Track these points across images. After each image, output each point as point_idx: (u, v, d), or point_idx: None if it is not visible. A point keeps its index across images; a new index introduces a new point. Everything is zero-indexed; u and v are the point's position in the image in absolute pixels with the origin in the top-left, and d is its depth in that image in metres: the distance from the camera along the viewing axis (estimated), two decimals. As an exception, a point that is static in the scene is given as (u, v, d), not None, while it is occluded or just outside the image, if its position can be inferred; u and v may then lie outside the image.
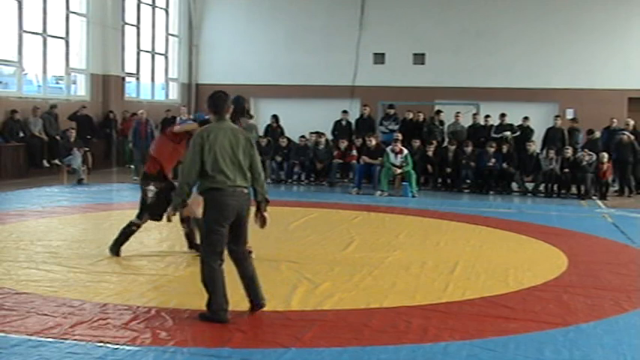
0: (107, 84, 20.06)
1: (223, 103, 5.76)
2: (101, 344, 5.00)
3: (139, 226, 7.95)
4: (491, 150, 16.22)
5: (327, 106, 21.32)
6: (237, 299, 6.21)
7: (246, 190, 5.72)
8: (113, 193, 14.21)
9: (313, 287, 6.76)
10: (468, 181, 16.30)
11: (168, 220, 6.07)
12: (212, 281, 5.60)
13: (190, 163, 5.59)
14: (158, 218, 7.69)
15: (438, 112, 18.48)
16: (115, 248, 7.92)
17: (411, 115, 18.30)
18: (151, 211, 7.75)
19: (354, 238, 9.50)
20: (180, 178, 5.71)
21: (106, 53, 20.01)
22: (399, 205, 13.44)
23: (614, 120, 17.93)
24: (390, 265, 7.91)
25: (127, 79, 21.49)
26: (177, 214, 6.27)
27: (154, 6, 22.84)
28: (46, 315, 5.64)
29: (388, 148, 15.57)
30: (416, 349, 5.10)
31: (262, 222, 5.90)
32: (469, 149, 16.30)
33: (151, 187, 7.69)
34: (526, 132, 17.65)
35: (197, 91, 24.51)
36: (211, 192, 5.58)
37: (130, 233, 7.97)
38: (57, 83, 19.99)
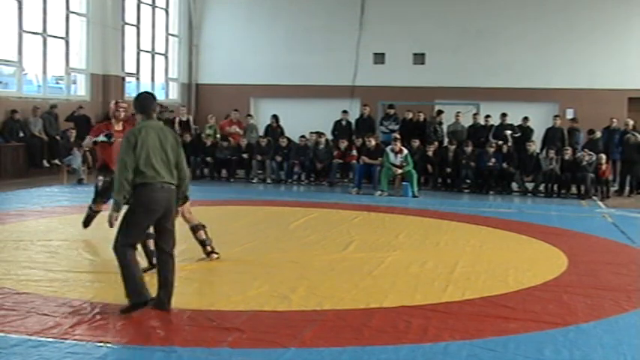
0: (107, 84, 20.03)
1: (150, 104, 5.97)
2: (101, 344, 5.00)
3: (94, 211, 8.78)
4: (491, 150, 16.23)
5: (327, 106, 21.30)
6: (237, 300, 6.23)
7: (173, 187, 5.84)
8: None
9: (313, 287, 6.76)
10: (468, 181, 16.31)
11: (110, 225, 5.78)
12: (128, 269, 5.70)
13: (125, 160, 5.68)
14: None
15: (440, 112, 18.50)
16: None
17: (410, 115, 18.32)
18: (100, 196, 8.53)
19: (354, 238, 9.50)
20: (116, 176, 5.76)
21: (106, 53, 19.99)
22: (399, 205, 13.44)
23: (614, 120, 17.92)
24: (390, 265, 7.91)
25: (127, 79, 21.46)
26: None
27: (154, 6, 22.83)
28: (46, 315, 5.64)
29: (388, 148, 15.57)
30: (416, 349, 5.10)
31: (175, 215, 6.07)
32: (469, 149, 16.30)
33: (100, 178, 8.46)
34: (526, 132, 17.67)
35: (197, 91, 24.51)
36: (140, 187, 5.69)
37: (90, 219, 8.86)
38: (57, 83, 19.98)
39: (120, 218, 5.73)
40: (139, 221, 5.72)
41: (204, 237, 7.82)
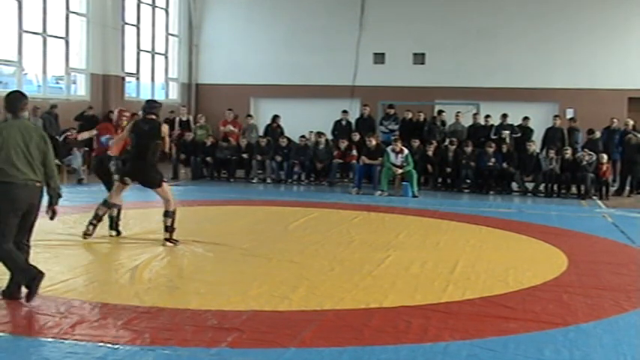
0: (107, 84, 20.04)
1: (18, 102, 6.09)
2: (101, 344, 5.00)
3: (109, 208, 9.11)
4: (491, 150, 16.22)
5: (327, 106, 21.30)
6: (237, 300, 6.23)
7: (38, 184, 5.99)
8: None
9: (313, 287, 6.76)
10: (468, 181, 16.30)
11: None
12: (10, 259, 5.86)
13: None
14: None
15: (440, 112, 18.50)
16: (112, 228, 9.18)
17: (410, 115, 18.32)
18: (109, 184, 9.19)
19: (354, 238, 9.50)
20: None
21: (106, 53, 20.00)
22: (399, 205, 13.44)
23: (615, 120, 17.92)
24: (390, 265, 7.91)
25: (127, 78, 21.47)
26: None
27: (154, 6, 22.83)
28: (46, 315, 5.64)
29: (389, 148, 15.57)
30: (416, 349, 5.10)
31: (52, 214, 6.19)
32: (469, 149, 16.30)
33: (112, 162, 9.25)
34: (526, 132, 17.67)
35: (197, 91, 24.52)
36: (3, 185, 5.81)
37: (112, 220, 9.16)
38: (57, 83, 19.98)
39: None
40: (5, 219, 5.81)
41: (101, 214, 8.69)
